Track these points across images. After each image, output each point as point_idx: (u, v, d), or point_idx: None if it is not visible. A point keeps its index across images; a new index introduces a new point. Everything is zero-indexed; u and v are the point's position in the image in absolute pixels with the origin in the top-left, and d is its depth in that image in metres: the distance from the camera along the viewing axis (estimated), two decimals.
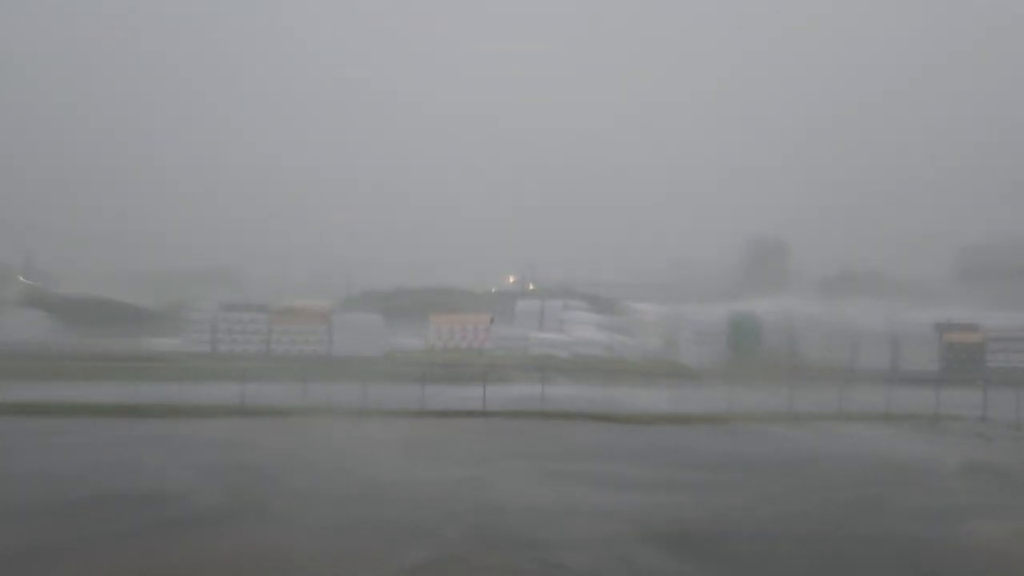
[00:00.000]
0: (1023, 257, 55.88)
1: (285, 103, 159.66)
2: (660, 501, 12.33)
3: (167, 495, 12.16)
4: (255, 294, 55.49)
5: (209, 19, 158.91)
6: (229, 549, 9.47)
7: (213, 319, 45.15)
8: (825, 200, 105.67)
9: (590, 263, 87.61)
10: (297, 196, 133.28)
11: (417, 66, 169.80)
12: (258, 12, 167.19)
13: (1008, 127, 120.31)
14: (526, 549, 9.51)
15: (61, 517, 10.91)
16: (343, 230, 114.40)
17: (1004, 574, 9.55)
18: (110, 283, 66.27)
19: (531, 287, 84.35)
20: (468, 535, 10.14)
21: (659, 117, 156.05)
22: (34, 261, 71.51)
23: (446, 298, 65.98)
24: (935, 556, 9.92)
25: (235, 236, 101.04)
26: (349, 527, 10.49)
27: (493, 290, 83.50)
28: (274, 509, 11.43)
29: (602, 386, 29.94)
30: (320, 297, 52.82)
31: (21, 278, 68.38)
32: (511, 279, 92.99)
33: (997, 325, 43.61)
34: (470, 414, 22.55)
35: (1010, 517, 12.10)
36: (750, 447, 18.30)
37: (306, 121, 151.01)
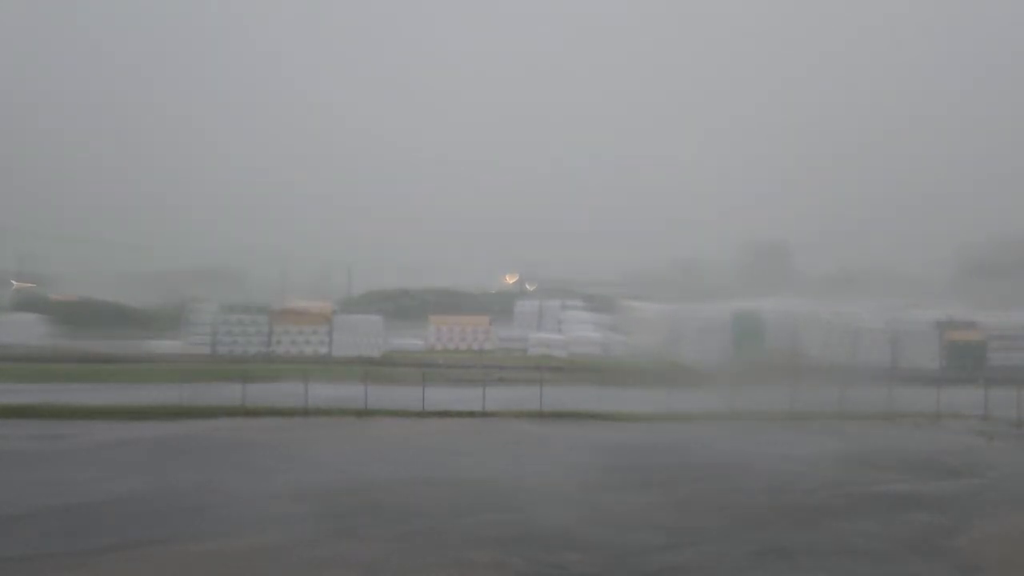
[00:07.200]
0: (1023, 256, 55.79)
1: (285, 102, 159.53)
2: None
3: None
4: (256, 295, 55.35)
5: (213, 21, 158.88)
6: None
7: (213, 320, 45.12)
8: (825, 199, 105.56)
9: (591, 263, 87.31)
10: (297, 197, 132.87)
11: (417, 66, 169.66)
12: (267, 15, 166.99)
13: (1008, 126, 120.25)
14: None
15: None
16: (343, 231, 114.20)
17: None
18: (111, 285, 66.16)
19: (530, 287, 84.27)
20: None
21: (660, 116, 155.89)
22: (30, 265, 71.23)
23: (446, 299, 66.00)
24: None
25: (235, 237, 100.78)
26: None
27: (493, 291, 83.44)
28: None
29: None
30: (320, 298, 52.72)
31: (15, 282, 68.23)
32: (511, 279, 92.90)
33: (998, 323, 43.55)
34: None
35: None
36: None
37: (307, 121, 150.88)
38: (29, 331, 46.13)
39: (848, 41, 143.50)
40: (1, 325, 46.29)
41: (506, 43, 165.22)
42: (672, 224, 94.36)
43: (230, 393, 23.03)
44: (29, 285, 67.41)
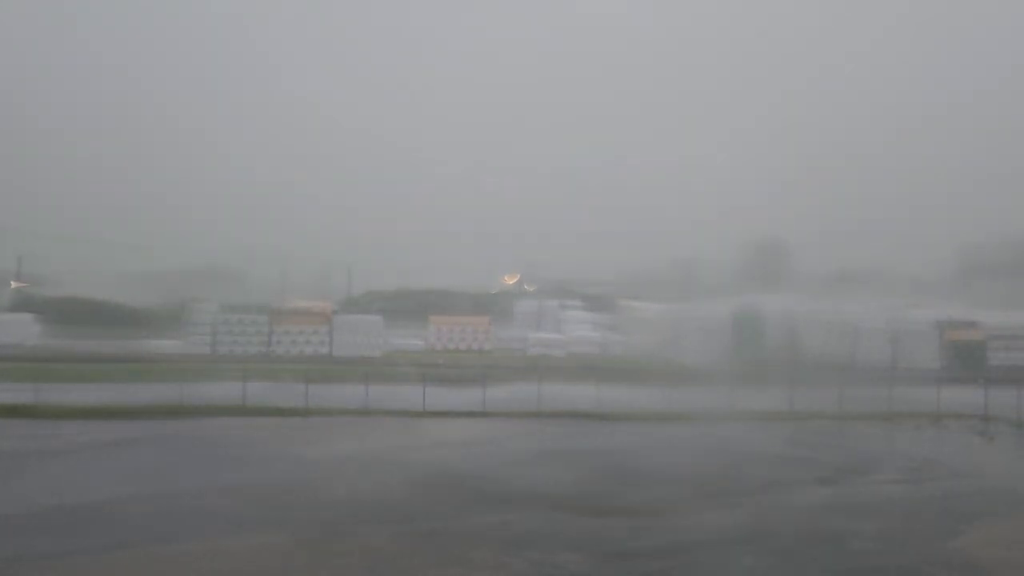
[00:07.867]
0: (1023, 256, 55.79)
1: (285, 102, 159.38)
2: None
3: None
4: (256, 295, 55.32)
5: (213, 21, 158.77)
6: None
7: (213, 320, 45.13)
8: (825, 199, 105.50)
9: (591, 263, 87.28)
10: (297, 197, 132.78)
11: (417, 66, 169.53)
12: (267, 15, 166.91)
13: (1008, 126, 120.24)
14: None
15: None
16: (343, 231, 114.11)
17: None
18: (111, 285, 66.06)
19: (530, 287, 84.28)
20: None
21: (660, 117, 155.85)
22: (30, 265, 71.13)
23: (446, 299, 65.92)
24: None
25: (235, 237, 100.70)
26: None
27: (493, 291, 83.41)
28: None
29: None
30: (320, 298, 52.71)
31: (15, 282, 68.18)
32: (511, 279, 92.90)
33: (998, 323, 43.53)
34: None
35: None
36: None
37: (307, 121, 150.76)
38: (27, 331, 46.14)
39: (849, 42, 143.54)
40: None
41: (506, 43, 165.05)
42: (672, 224, 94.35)
43: (230, 393, 23.05)
44: (26, 284, 67.35)
